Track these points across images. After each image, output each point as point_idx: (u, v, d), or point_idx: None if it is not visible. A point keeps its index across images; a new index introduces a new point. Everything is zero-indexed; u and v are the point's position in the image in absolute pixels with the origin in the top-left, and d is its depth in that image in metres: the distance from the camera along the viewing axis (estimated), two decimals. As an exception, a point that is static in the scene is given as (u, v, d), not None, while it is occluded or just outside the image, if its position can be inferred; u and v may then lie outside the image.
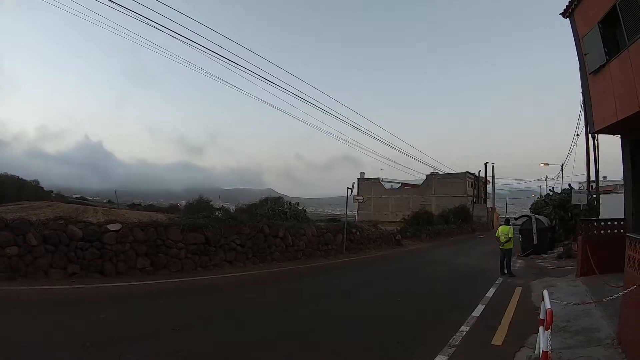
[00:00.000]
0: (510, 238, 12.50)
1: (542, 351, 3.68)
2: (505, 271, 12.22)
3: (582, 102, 16.90)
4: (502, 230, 12.77)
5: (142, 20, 12.53)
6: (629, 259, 5.07)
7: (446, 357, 4.92)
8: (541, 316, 5.03)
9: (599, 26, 9.20)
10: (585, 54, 10.10)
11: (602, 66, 9.33)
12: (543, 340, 3.79)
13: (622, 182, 12.03)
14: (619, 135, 10.26)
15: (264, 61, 17.95)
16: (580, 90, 16.72)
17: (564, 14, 10.88)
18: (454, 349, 5.24)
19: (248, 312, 7.08)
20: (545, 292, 4.65)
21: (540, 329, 4.67)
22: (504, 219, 14.13)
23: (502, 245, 12.46)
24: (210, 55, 15.04)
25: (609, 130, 10.02)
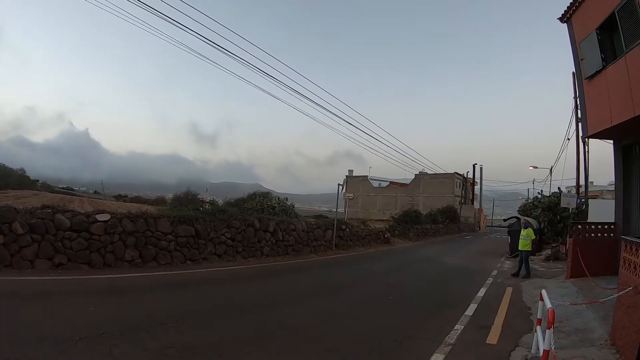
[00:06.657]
0: (532, 239, 12.39)
1: (544, 350, 3.67)
2: (524, 273, 11.96)
3: (574, 106, 17.14)
4: (522, 233, 12.61)
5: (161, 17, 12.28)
6: (624, 261, 5.10)
7: (442, 356, 4.89)
8: (539, 315, 5.05)
9: (596, 32, 9.26)
10: (581, 59, 10.17)
11: (599, 72, 9.40)
12: (544, 339, 3.77)
13: (608, 188, 12.22)
14: (611, 141, 10.39)
15: (260, 53, 17.78)
16: (573, 95, 16.97)
17: (561, 19, 10.94)
18: (450, 347, 5.22)
19: (240, 307, 6.99)
20: (544, 292, 4.65)
21: (538, 328, 4.68)
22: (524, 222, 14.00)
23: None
24: (223, 49, 14.86)
25: (602, 135, 10.14)
